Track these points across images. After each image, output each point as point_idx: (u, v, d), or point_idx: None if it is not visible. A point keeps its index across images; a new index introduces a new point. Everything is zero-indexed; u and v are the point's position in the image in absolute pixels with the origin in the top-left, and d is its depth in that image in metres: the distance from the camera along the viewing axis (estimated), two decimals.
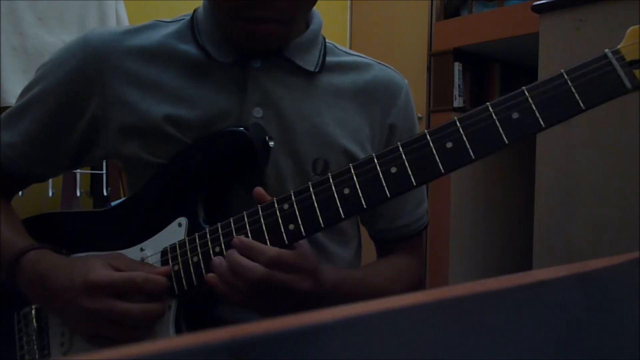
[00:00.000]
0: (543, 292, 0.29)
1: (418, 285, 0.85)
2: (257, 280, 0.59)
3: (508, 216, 2.42)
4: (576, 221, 1.36)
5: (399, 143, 0.58)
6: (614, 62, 0.53)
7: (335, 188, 0.59)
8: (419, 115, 2.36)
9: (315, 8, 0.78)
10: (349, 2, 2.78)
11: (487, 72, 2.44)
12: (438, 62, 2.35)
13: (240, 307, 0.63)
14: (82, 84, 0.74)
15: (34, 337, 0.74)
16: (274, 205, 0.62)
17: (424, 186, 0.87)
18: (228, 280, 0.61)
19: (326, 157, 0.75)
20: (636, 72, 0.53)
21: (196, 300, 0.68)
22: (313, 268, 0.62)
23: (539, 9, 1.40)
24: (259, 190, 0.65)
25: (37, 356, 0.73)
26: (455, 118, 0.56)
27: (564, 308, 0.27)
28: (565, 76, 0.54)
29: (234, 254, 0.61)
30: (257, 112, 0.73)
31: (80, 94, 0.74)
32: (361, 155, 0.77)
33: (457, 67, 2.31)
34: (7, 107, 0.81)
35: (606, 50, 0.54)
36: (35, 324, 0.74)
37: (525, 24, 1.92)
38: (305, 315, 0.22)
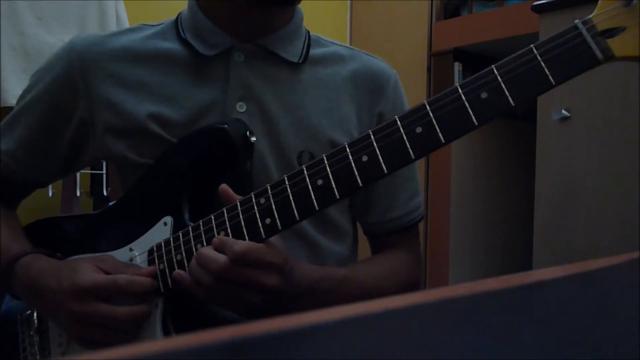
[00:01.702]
0: (543, 292, 0.29)
1: (414, 281, 0.83)
2: (218, 270, 0.58)
3: (508, 216, 2.42)
4: (576, 221, 1.36)
5: (370, 130, 0.58)
6: (584, 32, 0.51)
7: (309, 180, 0.59)
8: None
9: (311, 6, 0.79)
10: (349, 2, 2.77)
11: None
12: (438, 62, 2.35)
13: (210, 303, 0.63)
14: (68, 88, 0.75)
15: (35, 339, 0.75)
16: (252, 200, 0.62)
17: (417, 177, 0.87)
18: (194, 273, 0.61)
19: (311, 150, 0.75)
20: (609, 41, 0.51)
21: (183, 298, 0.68)
22: (281, 264, 0.61)
23: (539, 9, 1.40)
24: (224, 187, 0.65)
25: (39, 356, 0.74)
26: (425, 101, 0.56)
27: (564, 308, 0.27)
28: (535, 51, 0.52)
29: (205, 247, 0.61)
30: (241, 107, 0.73)
31: (67, 99, 0.75)
32: None
33: (457, 67, 2.31)
34: (7, 107, 0.82)
35: (576, 20, 0.52)
36: (36, 326, 0.76)
37: (525, 24, 1.92)
38: (305, 315, 0.22)
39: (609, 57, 0.51)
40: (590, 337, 0.24)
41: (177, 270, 0.64)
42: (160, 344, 0.19)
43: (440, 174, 2.24)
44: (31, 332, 0.76)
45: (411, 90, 2.52)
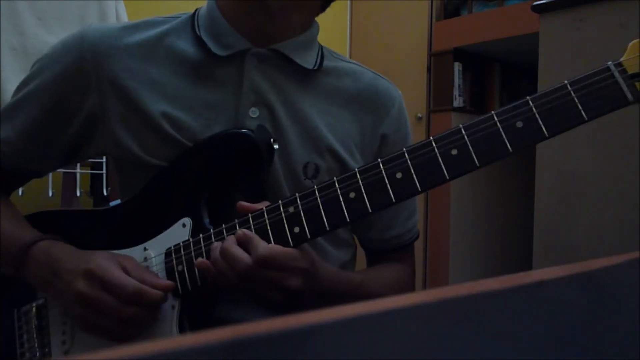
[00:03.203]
0: (543, 292, 0.29)
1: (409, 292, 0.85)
2: (242, 271, 0.59)
3: (508, 216, 2.42)
4: (576, 221, 1.36)
5: (404, 149, 0.59)
6: (616, 74, 0.54)
7: (340, 192, 0.60)
8: (419, 115, 2.36)
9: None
10: (349, 2, 2.77)
11: (487, 72, 2.44)
12: (438, 62, 2.35)
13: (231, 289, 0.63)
14: (79, 80, 0.73)
15: (34, 335, 0.74)
16: (279, 208, 0.63)
17: (416, 197, 0.88)
18: (218, 265, 0.61)
19: (317, 162, 0.75)
20: (638, 84, 0.54)
21: (200, 301, 0.69)
22: (307, 268, 0.62)
23: (539, 9, 1.40)
24: (243, 204, 0.65)
25: (37, 354, 0.73)
26: (461, 126, 0.57)
27: (564, 308, 0.27)
28: (569, 87, 0.55)
29: (229, 241, 0.61)
30: (253, 113, 0.73)
31: (76, 90, 0.74)
32: (350, 162, 0.78)
33: (457, 67, 2.31)
34: None
35: (609, 62, 0.55)
36: (35, 322, 0.74)
37: (525, 24, 1.92)
38: (305, 315, 0.22)
39: (638, 98, 0.54)
40: (590, 337, 0.24)
41: (201, 259, 0.64)
42: (160, 344, 0.19)
43: None
44: (30, 328, 0.74)
45: (411, 90, 2.53)
